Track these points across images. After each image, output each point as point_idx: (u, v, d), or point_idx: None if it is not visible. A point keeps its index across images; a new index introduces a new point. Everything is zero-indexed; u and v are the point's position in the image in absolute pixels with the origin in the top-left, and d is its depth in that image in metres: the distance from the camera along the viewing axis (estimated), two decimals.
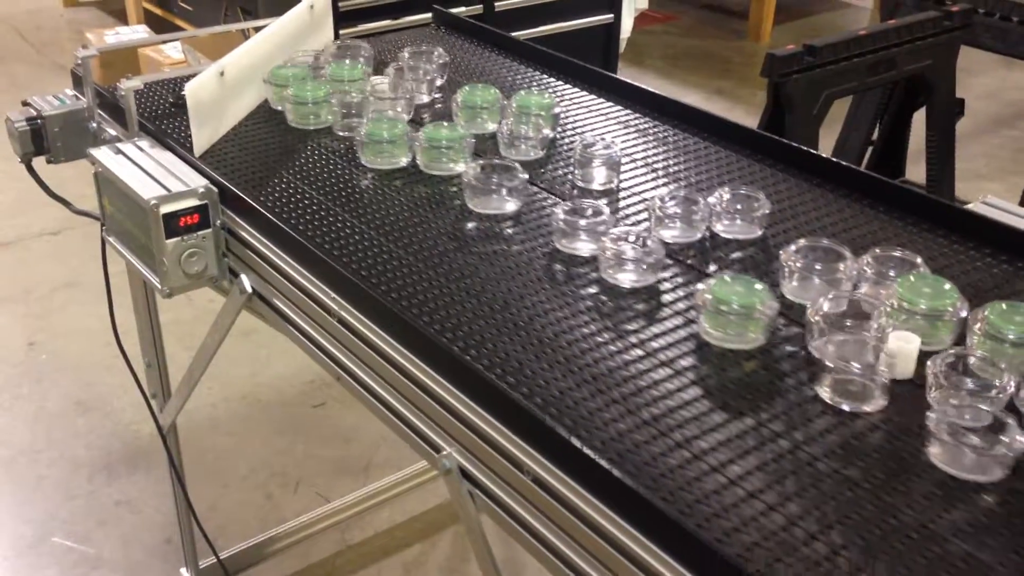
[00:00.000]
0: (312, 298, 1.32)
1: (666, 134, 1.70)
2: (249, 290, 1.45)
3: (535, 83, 1.90)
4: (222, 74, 1.59)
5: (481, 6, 3.84)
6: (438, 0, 2.33)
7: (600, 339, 1.16)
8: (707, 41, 5.68)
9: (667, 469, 0.97)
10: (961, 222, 1.41)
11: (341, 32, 2.12)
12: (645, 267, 1.26)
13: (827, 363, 1.08)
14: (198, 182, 1.45)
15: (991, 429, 0.98)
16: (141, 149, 1.56)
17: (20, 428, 2.67)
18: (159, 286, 1.46)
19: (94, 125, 1.70)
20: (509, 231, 1.38)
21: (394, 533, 2.39)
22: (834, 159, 1.57)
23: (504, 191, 1.41)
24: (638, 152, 1.63)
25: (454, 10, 2.26)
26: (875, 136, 3.26)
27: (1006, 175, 4.23)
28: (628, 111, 1.79)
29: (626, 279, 1.26)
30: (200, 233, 1.45)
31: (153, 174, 1.48)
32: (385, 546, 2.35)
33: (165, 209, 1.41)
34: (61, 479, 2.50)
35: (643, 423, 1.03)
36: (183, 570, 2.19)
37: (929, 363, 1.07)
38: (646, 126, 1.73)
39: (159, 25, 5.02)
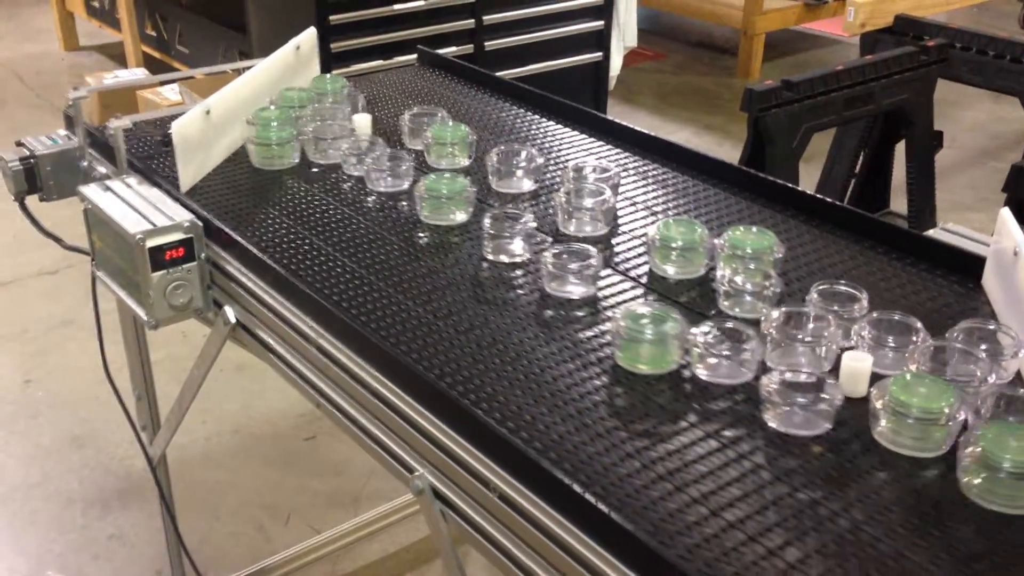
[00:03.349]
0: (291, 326, 1.36)
1: (647, 169, 1.74)
2: (233, 320, 1.50)
3: (518, 119, 1.96)
4: (208, 113, 1.64)
5: (471, 46, 3.93)
6: (428, 41, 2.39)
7: (571, 365, 1.20)
8: (697, 78, 5.77)
9: (633, 489, 1.00)
10: (922, 247, 1.46)
11: (333, 72, 2.18)
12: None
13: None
14: (184, 216, 1.50)
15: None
16: (129, 186, 1.61)
17: (15, 464, 2.70)
18: (145, 318, 1.50)
19: (85, 164, 1.75)
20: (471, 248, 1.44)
21: (385, 564, 2.41)
22: (800, 190, 1.62)
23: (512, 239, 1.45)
24: (630, 191, 1.66)
25: (444, 50, 2.33)
26: (858, 169, 3.32)
27: (991, 205, 4.29)
28: (611, 147, 1.83)
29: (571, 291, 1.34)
30: (185, 266, 1.49)
31: (140, 209, 1.53)
32: None
33: (151, 243, 1.45)
34: (55, 513, 2.53)
35: (612, 446, 1.07)
36: None
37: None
38: (630, 162, 1.77)
39: (158, 68, 5.11)
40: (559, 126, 1.92)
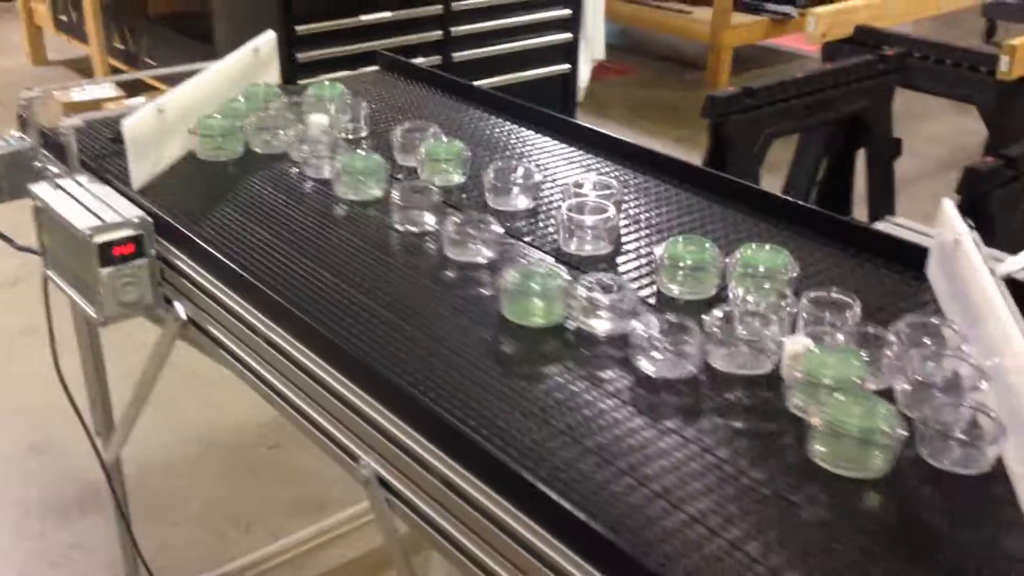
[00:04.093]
0: (240, 320, 1.36)
1: (615, 172, 1.73)
2: (184, 317, 1.49)
3: (482, 123, 1.96)
4: (161, 111, 1.64)
5: (439, 57, 3.95)
6: (395, 52, 2.39)
7: (558, 375, 1.20)
8: (666, 92, 5.82)
9: (580, 475, 1.00)
10: (869, 240, 1.48)
11: (299, 82, 2.19)
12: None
13: None
14: (134, 213, 1.50)
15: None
16: (80, 184, 1.60)
17: None
18: (94, 315, 1.49)
19: (38, 164, 1.75)
20: (431, 247, 1.44)
21: (347, 569, 2.39)
22: (747, 185, 1.63)
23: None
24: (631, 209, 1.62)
25: (414, 61, 2.33)
26: (820, 177, 3.36)
27: None
28: (572, 148, 1.83)
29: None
30: (135, 263, 1.49)
31: (90, 207, 1.52)
32: None
33: (100, 239, 1.45)
34: (13, 522, 2.50)
35: (559, 432, 1.07)
36: None
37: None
38: (594, 164, 1.76)
39: (126, 82, 5.09)
40: (529, 131, 1.91)
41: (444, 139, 1.70)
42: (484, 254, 1.40)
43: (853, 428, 0.98)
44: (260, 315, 1.31)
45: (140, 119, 1.59)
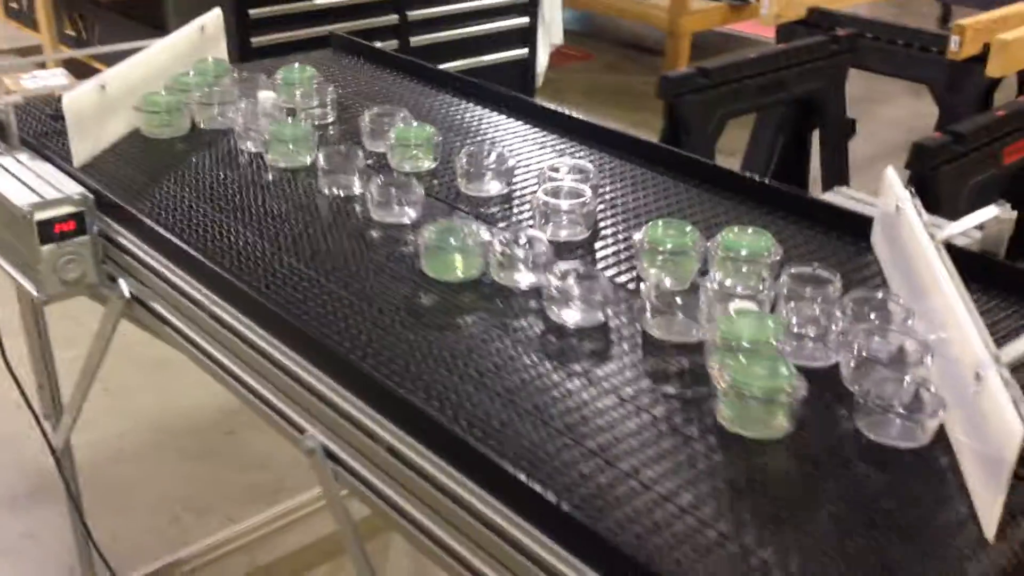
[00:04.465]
0: (184, 294, 1.34)
1: (589, 156, 1.71)
2: (127, 295, 1.47)
3: (447, 106, 1.94)
4: (103, 88, 1.61)
5: (396, 42, 3.92)
6: (351, 36, 2.37)
7: (475, 326, 1.20)
8: (625, 77, 5.83)
9: (531, 442, 1.00)
10: (817, 211, 1.49)
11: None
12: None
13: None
14: (75, 190, 1.47)
15: None
16: (20, 162, 1.57)
17: None
18: (36, 293, 1.47)
19: None
20: (358, 209, 1.45)
21: (303, 554, 2.37)
22: (697, 159, 1.64)
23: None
24: (529, 161, 1.65)
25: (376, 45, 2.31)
26: (776, 158, 3.38)
27: None
28: (544, 132, 1.80)
29: None
30: (77, 240, 1.46)
31: (30, 184, 1.49)
32: (294, 567, 2.34)
33: (40, 216, 1.42)
34: None
35: (497, 395, 1.07)
36: None
37: None
38: (568, 148, 1.74)
39: (79, 69, 5.01)
40: (498, 115, 1.89)
41: (414, 123, 1.65)
42: (409, 215, 1.41)
43: (755, 389, 0.99)
44: (202, 288, 1.30)
45: (81, 95, 1.56)
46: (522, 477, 0.94)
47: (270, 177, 1.57)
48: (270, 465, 2.64)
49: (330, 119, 1.79)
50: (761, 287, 1.19)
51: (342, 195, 1.50)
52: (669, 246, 1.27)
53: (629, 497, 0.93)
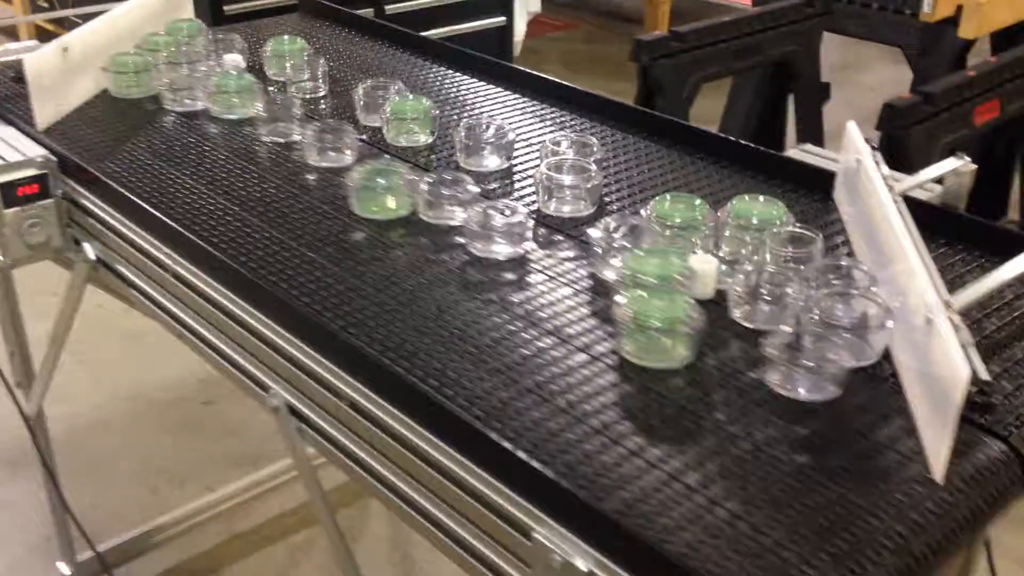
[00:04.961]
0: (147, 255, 1.34)
1: (592, 130, 1.69)
2: (93, 257, 1.47)
3: (411, 65, 1.94)
4: (65, 50, 1.60)
5: (371, 9, 3.89)
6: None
7: (426, 278, 1.21)
8: (605, 47, 5.81)
9: (483, 391, 1.01)
10: (782, 167, 1.49)
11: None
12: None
13: None
14: (38, 152, 1.47)
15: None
16: None
17: None
18: (0, 258, 1.46)
19: None
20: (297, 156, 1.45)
21: (281, 520, 2.39)
22: (686, 124, 1.64)
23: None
24: (530, 134, 1.63)
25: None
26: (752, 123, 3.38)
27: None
28: (517, 95, 1.79)
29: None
30: (40, 203, 1.46)
31: None
32: (272, 533, 2.35)
33: (1, 179, 1.42)
34: None
35: (456, 349, 1.08)
36: (61, 564, 2.16)
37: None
38: (569, 121, 1.71)
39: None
40: (457, 74, 1.89)
41: (409, 96, 1.61)
42: (346, 161, 1.45)
43: (655, 321, 1.03)
44: (165, 248, 1.30)
45: (43, 57, 1.55)
46: (478, 425, 0.94)
47: (229, 135, 1.57)
48: (248, 434, 2.65)
49: (321, 92, 1.74)
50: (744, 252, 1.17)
51: (281, 141, 1.55)
52: (678, 220, 1.23)
53: (562, 429, 0.95)
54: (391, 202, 1.32)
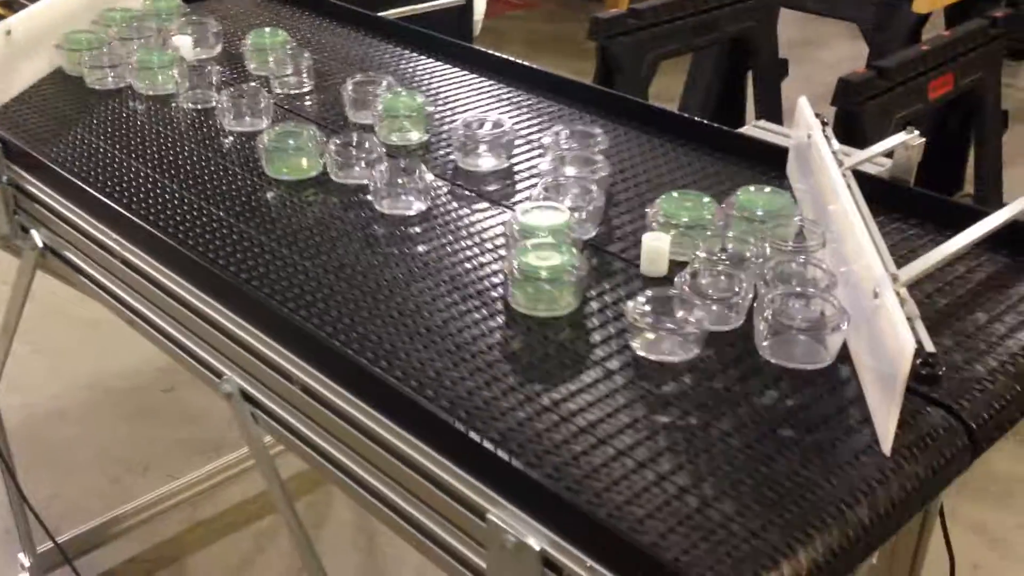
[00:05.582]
0: (96, 242, 1.32)
1: (498, 91, 1.71)
2: (40, 245, 1.44)
3: (367, 47, 1.91)
4: (8, 33, 1.57)
5: None
6: None
7: (375, 260, 1.20)
8: (567, 26, 5.79)
9: (418, 361, 1.01)
10: (736, 144, 1.50)
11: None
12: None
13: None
14: None
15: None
16: None
17: None
18: None
19: None
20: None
21: (245, 507, 2.38)
22: (639, 102, 1.64)
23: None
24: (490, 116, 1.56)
25: None
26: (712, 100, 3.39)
27: None
28: (480, 77, 1.77)
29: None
30: None
31: None
32: (236, 520, 2.34)
33: None
34: None
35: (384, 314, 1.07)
36: (21, 556, 2.14)
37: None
38: (560, 113, 1.66)
39: None
40: (415, 54, 1.86)
41: (402, 92, 1.53)
42: (259, 126, 1.50)
43: (543, 272, 1.08)
44: (111, 233, 1.28)
45: None
46: (412, 395, 0.94)
47: (177, 118, 1.56)
48: (210, 421, 2.63)
49: (306, 88, 1.68)
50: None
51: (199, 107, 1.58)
52: (684, 219, 1.18)
53: (496, 399, 0.95)
54: (300, 163, 1.38)
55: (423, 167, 1.32)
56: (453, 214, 1.31)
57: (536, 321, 1.08)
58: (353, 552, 2.27)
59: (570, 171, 1.33)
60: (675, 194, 1.23)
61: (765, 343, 1.03)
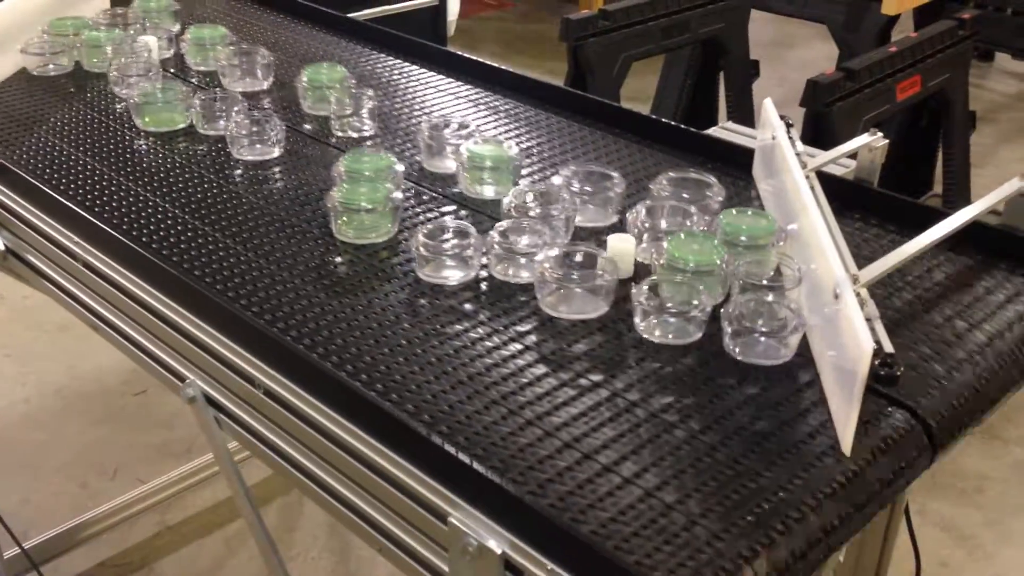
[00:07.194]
0: (58, 245, 1.31)
1: (464, 92, 1.70)
2: (2, 247, 1.42)
3: (326, 45, 1.91)
4: None
5: None
6: None
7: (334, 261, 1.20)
8: (541, 25, 5.80)
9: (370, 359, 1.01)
10: (704, 145, 1.50)
11: None
12: None
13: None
14: None
15: None
16: None
17: None
18: None
19: None
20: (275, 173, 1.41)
21: (216, 511, 2.36)
22: (608, 103, 1.65)
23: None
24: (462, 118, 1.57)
25: None
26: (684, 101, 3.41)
27: None
28: (453, 80, 1.77)
29: None
30: None
31: None
32: (207, 524, 2.32)
33: None
34: None
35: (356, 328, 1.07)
36: None
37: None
38: (534, 117, 1.64)
39: None
40: (388, 57, 1.86)
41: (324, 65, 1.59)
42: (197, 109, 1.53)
43: (362, 202, 1.22)
44: (75, 237, 1.26)
45: None
46: (377, 398, 0.94)
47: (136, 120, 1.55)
48: (180, 425, 2.61)
49: (265, 86, 1.67)
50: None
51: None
52: (691, 265, 1.09)
53: (479, 410, 0.94)
54: (169, 117, 1.51)
55: (273, 115, 1.46)
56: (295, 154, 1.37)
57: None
58: (327, 553, 2.26)
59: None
60: (682, 234, 1.13)
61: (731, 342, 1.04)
